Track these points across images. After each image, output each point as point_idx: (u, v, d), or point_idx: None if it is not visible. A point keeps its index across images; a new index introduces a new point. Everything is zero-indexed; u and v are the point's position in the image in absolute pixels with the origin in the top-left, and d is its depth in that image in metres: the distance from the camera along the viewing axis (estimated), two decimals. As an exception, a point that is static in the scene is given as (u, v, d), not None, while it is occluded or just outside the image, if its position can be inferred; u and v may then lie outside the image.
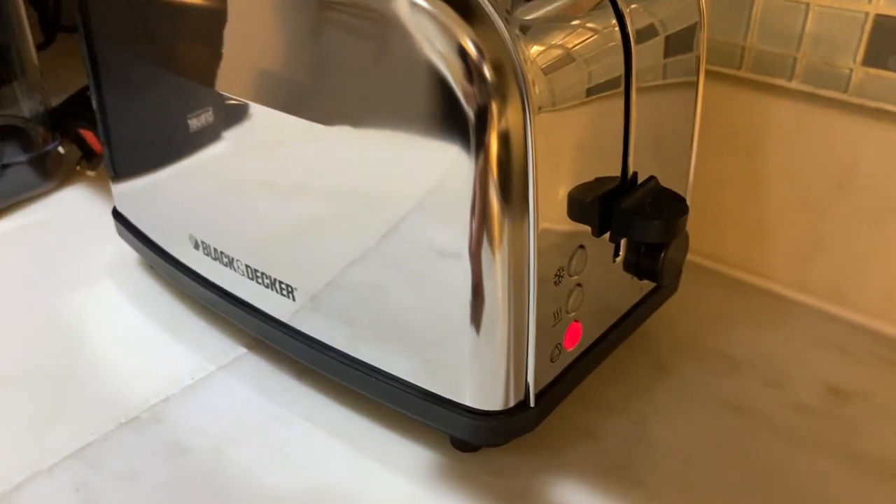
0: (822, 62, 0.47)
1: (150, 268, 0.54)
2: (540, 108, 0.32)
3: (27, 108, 0.63)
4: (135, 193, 0.51)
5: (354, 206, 0.37)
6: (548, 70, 0.33)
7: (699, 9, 0.42)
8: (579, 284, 0.38)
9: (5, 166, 0.61)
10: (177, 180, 0.46)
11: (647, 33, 0.37)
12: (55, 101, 0.67)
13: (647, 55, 0.37)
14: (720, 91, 0.50)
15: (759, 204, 0.52)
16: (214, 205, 0.44)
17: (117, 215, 0.53)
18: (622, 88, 0.37)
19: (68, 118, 0.67)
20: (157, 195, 0.48)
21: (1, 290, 0.53)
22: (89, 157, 0.67)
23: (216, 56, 0.39)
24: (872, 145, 0.46)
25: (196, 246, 0.45)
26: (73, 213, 0.62)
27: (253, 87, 0.39)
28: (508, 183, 0.33)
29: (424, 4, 0.31)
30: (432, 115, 0.33)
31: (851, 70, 0.46)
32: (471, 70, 0.31)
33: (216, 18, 0.39)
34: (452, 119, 0.32)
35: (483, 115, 0.32)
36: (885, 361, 0.47)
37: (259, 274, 0.42)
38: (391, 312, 0.38)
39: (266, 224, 0.41)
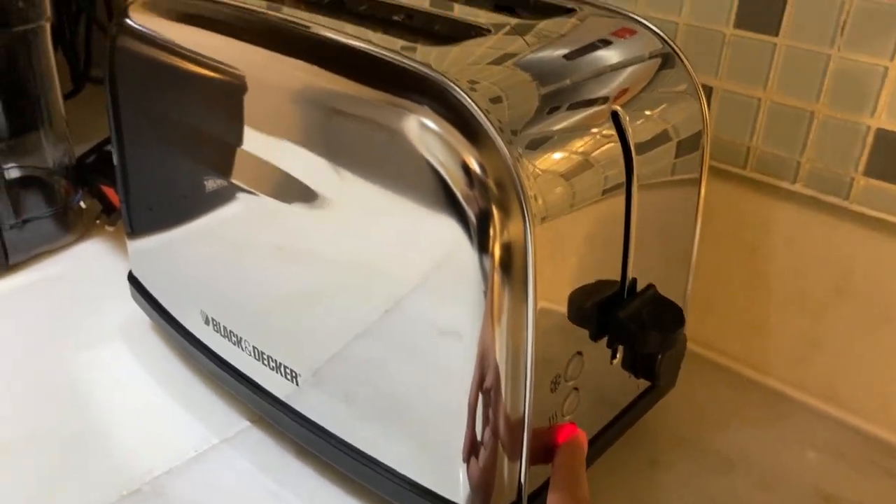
0: (825, 168, 0.48)
1: (162, 331, 0.55)
2: (541, 220, 0.34)
3: (51, 157, 0.65)
4: (150, 260, 0.52)
5: (359, 281, 0.38)
6: (549, 184, 0.34)
7: (703, 118, 0.43)
8: (576, 388, 0.39)
9: (27, 220, 0.63)
10: (189, 250, 0.48)
11: (650, 144, 0.39)
12: (79, 150, 0.69)
13: (649, 164, 0.38)
14: (725, 189, 0.52)
15: (760, 300, 0.53)
16: (225, 280, 0.45)
17: (133, 280, 0.55)
18: (623, 197, 0.38)
19: (91, 173, 0.69)
20: (171, 265, 0.50)
21: (14, 346, 0.55)
22: (109, 211, 0.69)
23: (232, 145, 0.41)
24: (870, 254, 0.47)
25: (206, 322, 0.47)
26: (91, 267, 0.64)
27: (266, 179, 0.40)
28: (507, 292, 0.34)
29: (432, 125, 0.33)
30: (437, 216, 0.34)
31: (853, 179, 0.48)
32: (474, 186, 0.32)
33: (237, 109, 0.40)
34: (456, 223, 0.33)
35: (484, 226, 0.33)
36: (880, 469, 0.47)
37: (266, 357, 0.43)
38: (390, 391, 0.39)
39: (272, 295, 0.42)
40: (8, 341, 0.55)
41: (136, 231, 0.52)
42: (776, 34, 0.48)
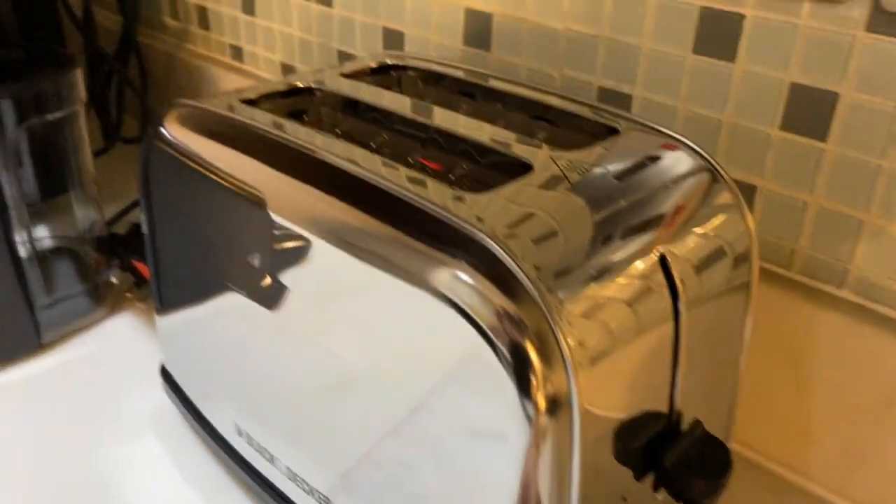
0: (874, 276, 0.47)
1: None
2: (584, 364, 0.33)
3: (82, 224, 0.65)
4: (180, 357, 0.52)
5: (385, 388, 0.37)
6: (592, 329, 0.33)
7: (749, 233, 0.42)
8: (619, 530, 0.38)
9: (60, 300, 0.63)
10: (217, 353, 0.47)
11: (698, 269, 0.38)
12: (108, 208, 0.68)
13: (697, 290, 0.37)
14: (769, 291, 0.50)
15: (806, 406, 0.51)
16: (258, 394, 0.45)
17: (165, 374, 0.54)
18: (670, 329, 0.37)
19: (122, 246, 0.69)
20: (202, 366, 0.49)
21: (43, 435, 0.55)
22: (140, 284, 0.69)
23: (253, 262, 0.40)
24: (924, 369, 0.46)
25: (239, 433, 0.46)
26: (122, 346, 0.64)
27: (290, 303, 0.39)
28: (551, 440, 0.33)
29: (467, 279, 0.32)
30: (478, 367, 0.33)
31: (904, 290, 0.46)
32: (512, 337, 0.32)
33: (264, 229, 0.40)
34: (496, 375, 0.32)
35: (525, 378, 0.32)
36: (931, 591, 0.45)
37: (298, 479, 0.43)
38: (421, 497, 0.38)
39: (303, 406, 0.42)
40: (38, 429, 0.55)
41: (164, 324, 0.52)
42: (824, 140, 0.46)
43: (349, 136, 0.42)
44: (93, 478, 0.51)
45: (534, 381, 0.32)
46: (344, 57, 0.75)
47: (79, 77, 0.60)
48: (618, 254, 0.35)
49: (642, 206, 0.37)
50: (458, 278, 0.32)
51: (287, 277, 0.39)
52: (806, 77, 0.46)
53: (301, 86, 0.48)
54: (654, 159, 0.40)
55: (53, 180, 0.62)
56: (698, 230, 0.39)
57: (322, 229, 0.36)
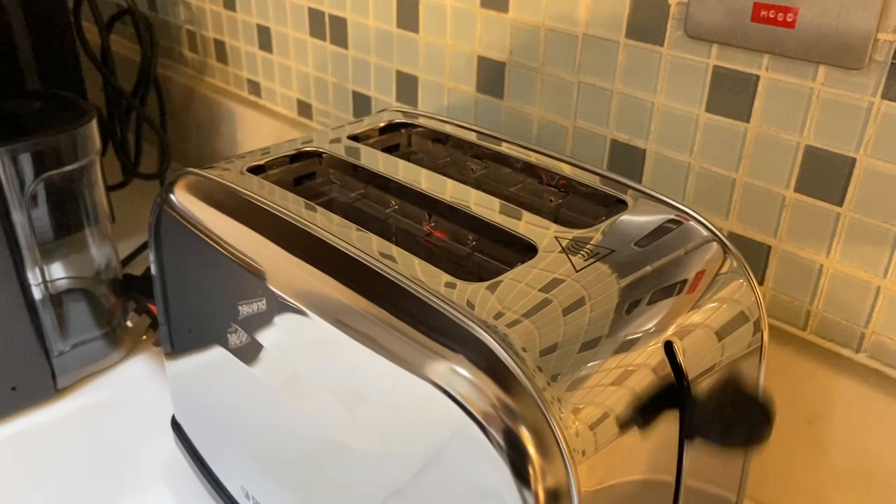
0: (892, 341, 0.46)
1: (203, 474, 0.55)
2: (583, 454, 0.32)
3: (96, 260, 0.65)
4: (190, 409, 0.52)
5: (384, 472, 0.37)
6: (591, 422, 0.33)
7: (758, 306, 0.41)
8: None
9: (76, 345, 0.64)
10: (226, 415, 0.47)
11: (702, 359, 0.37)
12: (124, 245, 0.68)
13: (706, 373, 0.37)
14: (784, 352, 0.49)
15: (821, 471, 0.50)
16: (260, 461, 0.45)
17: (175, 426, 0.55)
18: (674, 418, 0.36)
19: (140, 290, 0.69)
20: (211, 425, 0.50)
21: (56, 482, 0.55)
22: (156, 326, 0.69)
23: (253, 333, 0.40)
24: (943, 441, 0.44)
25: (247, 497, 0.46)
26: (137, 392, 0.64)
27: (289, 379, 0.39)
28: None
29: (465, 373, 0.31)
30: (476, 458, 0.32)
31: (923, 358, 0.45)
32: (507, 432, 0.31)
33: (262, 302, 0.40)
34: (495, 467, 0.32)
35: (523, 471, 0.31)
36: None
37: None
38: None
39: (304, 476, 0.41)
40: (52, 477, 0.56)
41: (174, 375, 0.52)
42: (840, 204, 0.46)
43: (353, 206, 0.41)
44: (104, 532, 0.52)
45: (532, 474, 0.32)
46: (359, 98, 0.75)
47: (94, 128, 0.61)
48: (618, 350, 0.35)
49: (648, 288, 0.37)
50: (454, 371, 0.31)
51: (284, 350, 0.39)
52: (821, 141, 0.45)
53: (309, 150, 0.48)
54: (660, 236, 0.39)
55: (67, 222, 0.63)
56: (706, 306, 0.38)
57: (319, 308, 0.36)
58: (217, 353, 0.45)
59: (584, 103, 0.56)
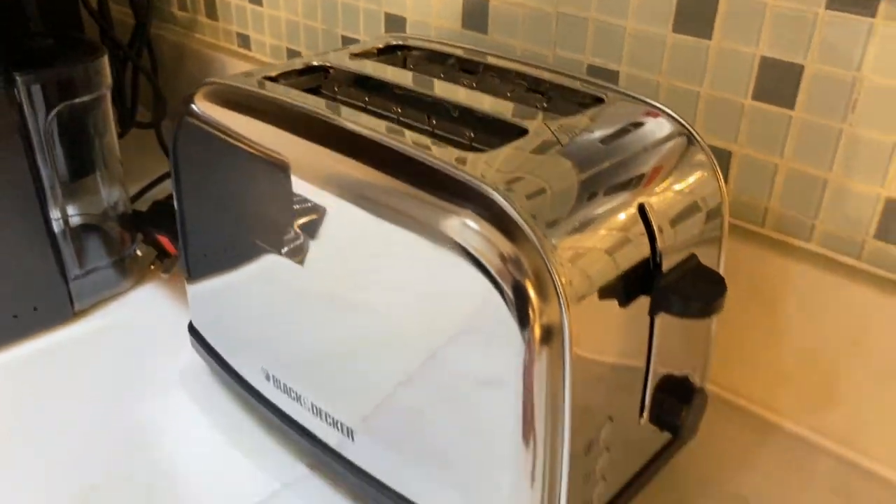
0: (838, 230, 0.52)
1: (218, 376, 0.60)
2: (575, 300, 0.38)
3: (109, 202, 0.70)
4: (209, 314, 0.57)
5: (398, 341, 0.42)
6: (581, 269, 0.38)
7: (720, 192, 0.47)
8: (607, 449, 0.43)
9: (90, 271, 0.68)
10: (245, 309, 0.52)
11: (674, 221, 0.42)
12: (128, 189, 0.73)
13: (673, 239, 0.42)
14: (745, 247, 0.55)
15: (780, 350, 0.56)
16: (282, 340, 0.50)
17: (192, 330, 0.59)
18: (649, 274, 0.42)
19: (146, 222, 0.73)
20: (230, 321, 0.54)
21: (83, 394, 0.59)
22: (162, 257, 0.74)
23: (282, 222, 0.45)
24: (884, 312, 0.51)
25: (267, 378, 0.51)
26: (148, 314, 0.69)
27: (314, 255, 0.44)
28: (547, 367, 0.38)
29: (474, 226, 0.37)
30: (482, 302, 0.37)
31: (864, 241, 0.51)
32: (513, 275, 0.36)
33: (289, 192, 0.44)
34: (498, 308, 0.37)
35: (524, 311, 0.36)
36: (890, 510, 0.51)
37: (323, 413, 0.48)
38: (430, 453, 0.43)
39: (326, 353, 0.47)
40: (79, 388, 0.60)
41: (194, 283, 0.57)
42: (792, 108, 0.51)
43: (363, 107, 0.46)
44: (132, 428, 0.56)
45: (531, 315, 0.37)
46: (348, 42, 0.79)
47: (105, 63, 0.65)
48: (601, 206, 0.40)
49: (624, 165, 0.42)
50: (466, 225, 0.37)
51: (310, 233, 0.44)
52: (774, 51, 0.51)
53: (316, 64, 0.52)
54: (637, 125, 0.45)
55: (83, 161, 0.67)
56: (675, 187, 0.44)
57: (342, 188, 0.41)
58: (242, 254, 0.50)
59: (562, 32, 0.61)
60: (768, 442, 0.56)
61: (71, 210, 0.67)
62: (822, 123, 0.50)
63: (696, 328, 0.48)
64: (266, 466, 0.53)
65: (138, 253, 0.73)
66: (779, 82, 0.52)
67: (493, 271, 0.36)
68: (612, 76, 0.59)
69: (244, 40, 0.93)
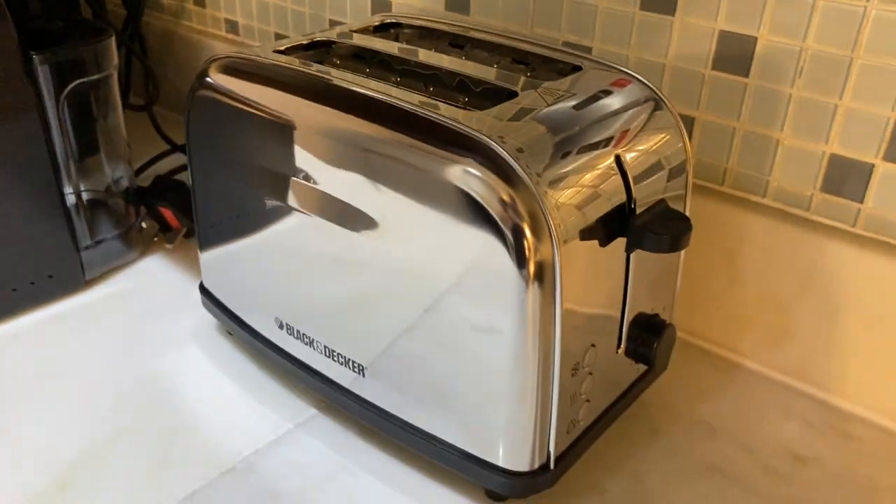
0: (789, 185, 0.58)
1: (228, 333, 0.65)
2: (563, 241, 0.43)
3: (115, 173, 0.73)
4: (220, 272, 0.62)
5: (411, 294, 0.47)
6: (568, 213, 0.44)
7: (685, 150, 0.53)
8: (590, 373, 0.48)
9: (99, 241, 0.72)
10: (260, 264, 0.57)
11: (644, 175, 0.48)
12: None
13: (644, 191, 0.48)
14: (708, 203, 0.61)
15: (739, 296, 0.62)
16: (295, 290, 0.55)
17: (203, 290, 0.64)
18: (625, 217, 0.48)
19: (150, 196, 0.78)
20: (242, 277, 0.59)
21: (102, 352, 0.64)
22: (166, 230, 0.78)
23: (297, 180, 0.50)
24: (830, 257, 0.57)
25: (280, 326, 0.56)
26: (155, 281, 0.73)
27: (328, 209, 0.49)
28: (540, 298, 0.43)
29: (475, 172, 0.42)
30: (482, 242, 0.43)
31: (812, 194, 0.58)
32: (511, 217, 0.42)
33: (304, 152, 0.49)
34: (497, 247, 0.42)
35: (521, 248, 0.42)
36: (839, 432, 0.57)
37: (335, 354, 0.53)
38: (435, 381, 0.48)
39: (337, 301, 0.52)
40: (97, 348, 0.64)
41: (206, 247, 0.62)
42: (747, 76, 0.58)
43: (366, 76, 0.51)
44: (150, 380, 0.61)
45: (528, 253, 0.42)
46: (335, 25, 0.84)
47: (113, 44, 0.69)
48: (584, 157, 0.46)
49: (602, 123, 0.48)
50: (468, 172, 0.42)
51: (322, 185, 0.49)
52: (731, 25, 0.57)
53: (319, 39, 0.57)
54: (613, 89, 0.51)
55: (93, 138, 0.71)
56: (647, 143, 0.50)
57: (351, 145, 0.47)
58: (253, 211, 0.55)
59: (539, 11, 0.67)
60: (730, 379, 0.62)
61: (82, 185, 0.71)
62: (774, 89, 0.57)
63: (665, 269, 0.54)
64: (278, 409, 0.58)
65: (143, 225, 0.77)
66: (735, 53, 0.58)
67: (493, 214, 0.42)
68: (586, 51, 0.65)
69: (232, 26, 0.98)
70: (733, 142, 0.60)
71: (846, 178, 0.56)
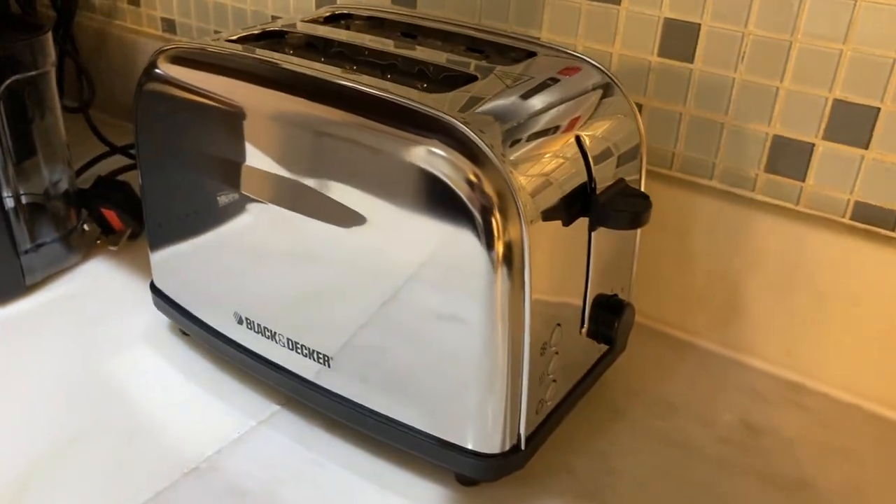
0: (734, 167, 0.60)
1: (181, 333, 0.63)
2: (530, 221, 0.44)
3: (55, 182, 0.71)
4: (172, 271, 0.60)
5: (368, 272, 0.47)
6: (534, 192, 0.44)
7: (639, 133, 0.54)
8: (556, 352, 0.49)
9: (40, 245, 0.70)
10: (216, 260, 0.56)
11: (602, 157, 0.49)
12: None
13: (602, 172, 0.49)
14: (657, 186, 0.63)
15: (689, 276, 0.64)
16: (255, 284, 0.54)
17: (155, 290, 0.62)
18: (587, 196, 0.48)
19: (93, 199, 0.75)
20: (196, 274, 0.58)
21: (50, 358, 0.62)
22: (108, 233, 0.76)
23: (253, 167, 0.49)
24: (774, 234, 0.59)
25: (240, 321, 0.55)
26: (99, 284, 0.71)
27: (287, 195, 0.49)
28: (509, 279, 0.44)
29: (441, 152, 0.42)
30: (449, 223, 0.43)
31: (756, 175, 0.60)
32: (479, 196, 0.42)
33: (258, 138, 0.49)
34: (466, 228, 0.42)
35: (489, 228, 0.42)
36: (790, 402, 0.59)
37: (299, 346, 0.52)
38: (403, 368, 0.48)
39: (298, 293, 0.51)
40: (46, 352, 0.62)
41: (157, 246, 0.60)
42: (691, 62, 0.59)
43: (324, 63, 0.51)
44: (107, 385, 0.59)
45: (497, 232, 0.43)
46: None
47: (49, 39, 0.67)
48: (546, 138, 0.46)
49: (561, 105, 0.49)
50: (433, 152, 0.42)
51: (282, 169, 0.48)
52: (674, 13, 0.59)
53: (271, 30, 0.57)
54: (568, 73, 0.52)
55: (30, 140, 0.69)
56: (604, 125, 0.51)
57: (307, 130, 0.46)
58: (206, 205, 0.54)
59: (486, 3, 0.67)
60: (685, 357, 0.64)
61: (20, 188, 0.68)
62: (718, 74, 0.59)
63: (622, 250, 0.56)
64: (240, 407, 0.57)
65: (85, 228, 0.75)
66: (680, 40, 0.59)
67: (461, 194, 0.42)
68: (535, 43, 0.66)
69: (169, 25, 0.95)
70: (680, 126, 0.62)
71: (788, 157, 0.58)
